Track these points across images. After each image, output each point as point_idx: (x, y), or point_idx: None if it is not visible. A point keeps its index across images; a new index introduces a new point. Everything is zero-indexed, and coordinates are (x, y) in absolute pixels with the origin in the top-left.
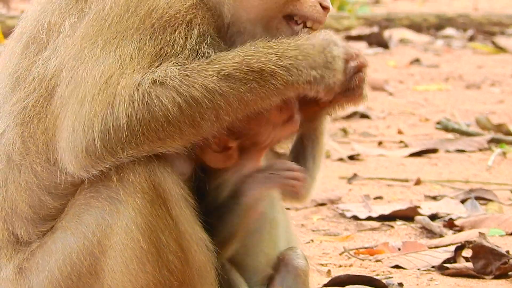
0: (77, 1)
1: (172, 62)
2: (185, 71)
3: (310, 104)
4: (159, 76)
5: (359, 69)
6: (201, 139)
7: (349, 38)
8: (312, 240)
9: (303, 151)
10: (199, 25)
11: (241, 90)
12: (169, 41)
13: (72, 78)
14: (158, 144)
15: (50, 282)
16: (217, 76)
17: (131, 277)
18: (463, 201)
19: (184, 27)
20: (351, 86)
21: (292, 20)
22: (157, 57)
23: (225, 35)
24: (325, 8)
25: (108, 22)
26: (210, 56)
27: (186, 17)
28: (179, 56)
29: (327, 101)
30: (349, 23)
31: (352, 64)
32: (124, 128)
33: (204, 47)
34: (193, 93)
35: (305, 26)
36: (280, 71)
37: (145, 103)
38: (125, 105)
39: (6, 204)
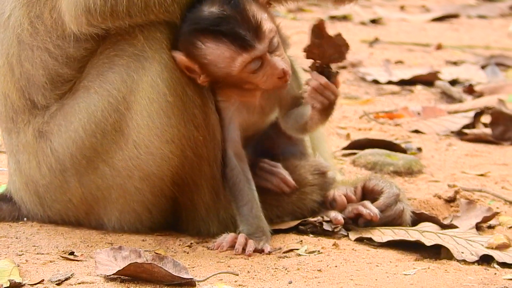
0: None
1: None
2: None
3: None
4: None
5: None
6: None
7: None
8: None
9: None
10: None
11: None
12: None
13: None
14: (164, 16)
15: (73, 141)
16: None
17: (157, 131)
18: (483, 67)
19: None
20: None
21: None
22: None
23: None
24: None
25: None
26: None
27: None
28: None
29: None
30: None
31: None
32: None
33: None
34: None
35: None
36: None
37: None
38: None
39: (22, 78)
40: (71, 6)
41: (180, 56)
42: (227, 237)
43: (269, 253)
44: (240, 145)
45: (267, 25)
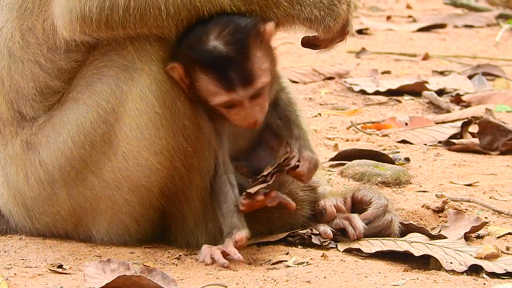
0: None
1: None
2: None
3: None
4: None
5: None
6: None
7: None
8: (319, 114)
9: (286, 123)
10: None
11: (242, 9)
12: None
13: None
14: (156, 31)
15: (62, 152)
16: None
17: (146, 143)
18: (470, 77)
19: None
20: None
21: None
22: None
23: None
24: None
25: None
26: None
27: None
28: None
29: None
30: None
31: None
32: (120, 10)
33: None
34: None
35: None
36: (284, 3)
37: None
38: None
39: (12, 90)
40: (66, 11)
41: (179, 66)
42: (204, 251)
43: (243, 243)
44: (227, 153)
45: (260, 77)
